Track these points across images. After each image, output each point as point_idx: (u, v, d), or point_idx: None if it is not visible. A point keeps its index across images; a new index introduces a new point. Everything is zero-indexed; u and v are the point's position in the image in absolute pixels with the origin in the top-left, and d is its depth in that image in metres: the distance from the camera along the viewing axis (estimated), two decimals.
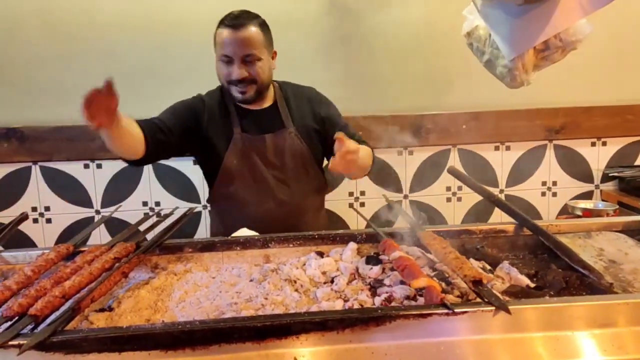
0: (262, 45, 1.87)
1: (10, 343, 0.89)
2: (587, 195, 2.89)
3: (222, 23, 1.86)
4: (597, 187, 2.89)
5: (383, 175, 2.72)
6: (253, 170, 1.96)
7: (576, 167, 2.88)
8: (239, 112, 1.98)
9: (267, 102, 2.01)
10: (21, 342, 0.89)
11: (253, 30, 1.84)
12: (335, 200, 2.71)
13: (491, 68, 1.85)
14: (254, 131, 1.97)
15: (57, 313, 1.00)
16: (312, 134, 2.01)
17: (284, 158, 1.97)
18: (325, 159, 2.09)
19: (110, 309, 1.17)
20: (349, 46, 2.65)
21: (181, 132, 1.91)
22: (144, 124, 1.82)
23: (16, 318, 0.97)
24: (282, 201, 1.97)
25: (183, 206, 2.54)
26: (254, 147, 1.95)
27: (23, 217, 1.56)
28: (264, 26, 1.90)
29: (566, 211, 2.61)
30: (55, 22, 2.47)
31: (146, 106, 2.60)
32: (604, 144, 2.86)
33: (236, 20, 1.84)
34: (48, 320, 0.98)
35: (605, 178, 2.87)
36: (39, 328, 0.95)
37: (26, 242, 2.57)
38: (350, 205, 2.76)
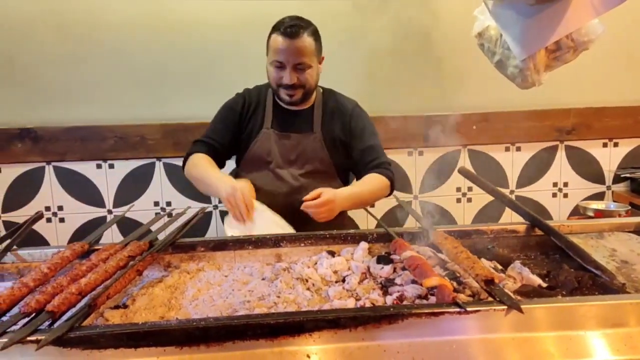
0: (313, 53, 1.96)
1: (29, 338, 0.90)
2: (599, 197, 2.88)
3: (277, 30, 1.94)
4: (608, 188, 2.88)
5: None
6: (271, 163, 2.05)
7: (587, 168, 2.87)
8: (275, 109, 2.09)
9: (306, 105, 2.10)
10: (39, 337, 0.90)
11: (306, 39, 1.93)
12: None
13: (502, 68, 1.84)
14: (283, 128, 2.07)
15: (74, 309, 1.02)
16: (337, 144, 2.09)
17: (303, 158, 2.06)
18: (353, 170, 2.19)
19: (125, 306, 1.18)
20: (359, 47, 2.66)
21: (232, 140, 2.10)
22: (211, 154, 2.05)
23: (34, 314, 0.99)
24: (292, 195, 2.01)
25: (194, 206, 2.56)
26: (278, 143, 2.05)
27: (38, 216, 1.58)
28: (316, 34, 1.99)
29: (577, 212, 2.60)
30: (67, 24, 2.50)
31: (156, 106, 2.64)
32: (616, 144, 2.85)
33: (291, 28, 1.90)
34: (65, 317, 0.99)
35: (617, 179, 2.86)
36: (56, 324, 0.96)
37: (40, 241, 2.60)
38: None
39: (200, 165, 2.00)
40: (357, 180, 2.17)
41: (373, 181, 1.99)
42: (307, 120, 2.09)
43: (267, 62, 2.00)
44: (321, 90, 2.16)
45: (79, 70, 2.54)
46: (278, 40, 1.92)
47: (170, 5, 2.53)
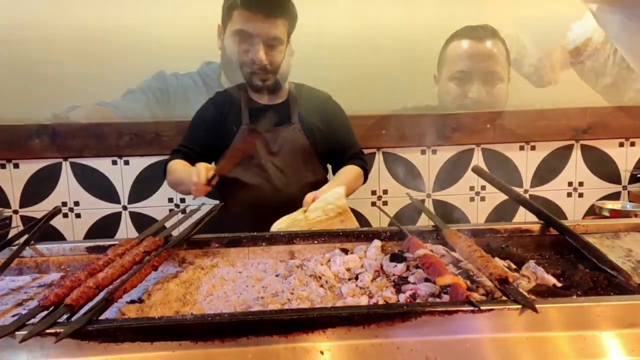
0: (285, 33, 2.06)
1: (48, 331, 0.92)
2: (614, 197, 2.85)
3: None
4: (624, 188, 2.85)
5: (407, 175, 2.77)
6: (255, 158, 2.08)
7: (603, 168, 2.83)
8: (250, 107, 2.12)
9: (280, 99, 2.15)
10: (58, 330, 0.91)
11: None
12: (358, 199, 2.72)
13: (518, 67, 1.84)
14: (261, 123, 2.08)
15: (91, 303, 1.03)
16: (316, 133, 2.14)
17: (285, 149, 2.10)
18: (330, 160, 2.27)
19: (141, 301, 1.20)
20: (373, 44, 2.65)
21: (207, 147, 2.11)
22: (188, 160, 2.06)
23: (52, 307, 1.00)
24: (279, 188, 2.08)
25: (208, 203, 2.57)
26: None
27: (56, 211, 1.60)
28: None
29: (593, 212, 2.58)
30: (90, 24, 2.53)
31: (178, 107, 2.66)
32: (632, 144, 2.81)
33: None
34: (82, 310, 1.00)
35: (633, 179, 2.82)
36: (74, 317, 0.98)
37: (56, 236, 2.63)
38: (373, 204, 2.77)
39: (174, 170, 2.06)
40: (333, 170, 2.27)
41: (349, 174, 2.11)
42: (284, 113, 2.13)
43: (229, 39, 2.07)
44: (293, 84, 2.21)
45: (98, 68, 2.56)
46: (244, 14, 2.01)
47: (189, 10, 2.56)
